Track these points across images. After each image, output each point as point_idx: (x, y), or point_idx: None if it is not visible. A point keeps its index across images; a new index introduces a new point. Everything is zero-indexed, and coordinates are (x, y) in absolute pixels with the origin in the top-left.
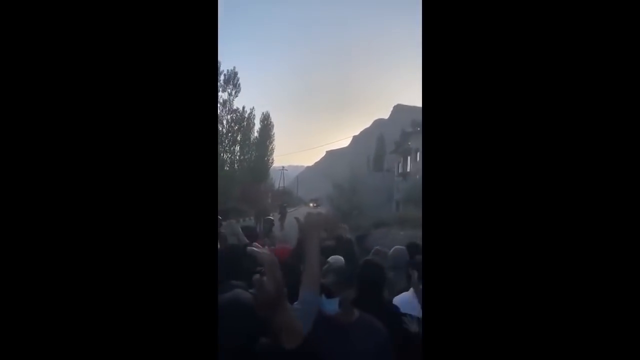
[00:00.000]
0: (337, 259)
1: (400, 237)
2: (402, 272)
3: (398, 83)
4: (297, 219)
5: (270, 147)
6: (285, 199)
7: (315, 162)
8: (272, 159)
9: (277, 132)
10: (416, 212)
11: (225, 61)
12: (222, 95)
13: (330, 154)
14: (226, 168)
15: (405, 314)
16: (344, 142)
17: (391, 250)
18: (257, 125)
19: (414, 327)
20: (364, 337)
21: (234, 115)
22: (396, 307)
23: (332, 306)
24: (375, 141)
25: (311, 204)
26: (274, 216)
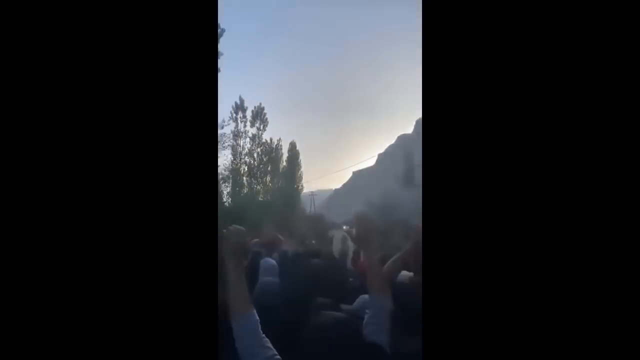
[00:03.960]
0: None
1: None
2: None
3: (419, 97)
4: (347, 231)
5: (298, 174)
6: (318, 223)
7: (343, 184)
8: (302, 185)
9: (304, 158)
10: None
11: (251, 97)
12: (251, 130)
13: (357, 174)
14: (260, 198)
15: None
16: (370, 161)
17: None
18: (285, 155)
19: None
20: None
21: (263, 147)
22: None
23: None
24: (402, 157)
25: (344, 227)
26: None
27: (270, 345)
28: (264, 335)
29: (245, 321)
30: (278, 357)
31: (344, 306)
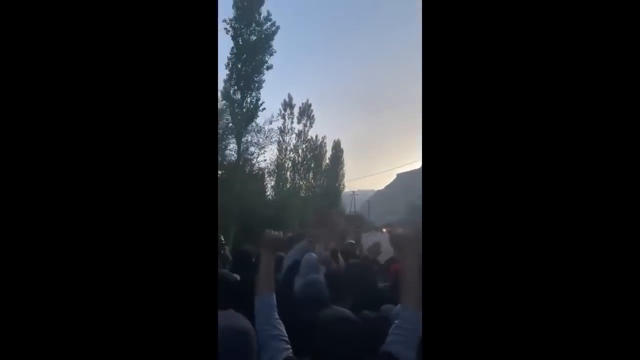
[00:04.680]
0: None
1: None
2: None
3: None
4: (391, 233)
5: (341, 173)
6: (358, 223)
7: (386, 186)
8: (343, 184)
9: (347, 157)
10: None
11: (298, 95)
12: (298, 127)
13: (402, 176)
14: (302, 194)
15: None
16: (416, 164)
17: None
18: (329, 153)
19: None
20: None
21: (308, 144)
22: None
23: None
24: None
25: (384, 230)
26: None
27: (281, 327)
28: (278, 317)
29: (266, 300)
30: (285, 337)
31: (384, 307)
